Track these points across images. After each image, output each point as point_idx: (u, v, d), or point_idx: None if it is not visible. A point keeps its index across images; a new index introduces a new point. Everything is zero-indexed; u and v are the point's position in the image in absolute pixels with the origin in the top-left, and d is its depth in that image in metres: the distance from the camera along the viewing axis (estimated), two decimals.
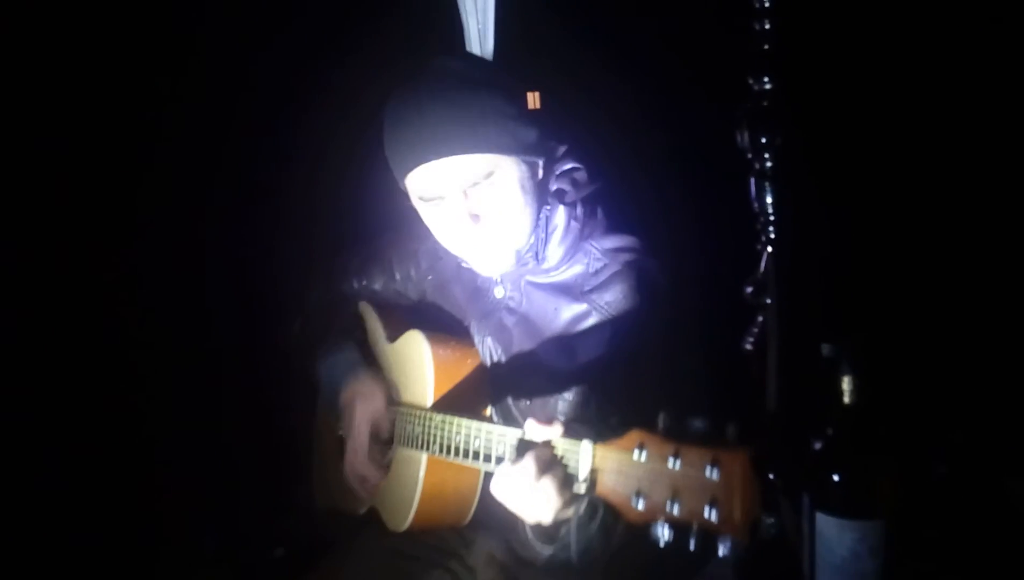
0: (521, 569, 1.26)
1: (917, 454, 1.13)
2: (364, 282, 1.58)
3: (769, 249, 1.04)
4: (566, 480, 0.99)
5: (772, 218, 1.07)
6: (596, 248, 1.30)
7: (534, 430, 1.04)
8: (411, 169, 1.20)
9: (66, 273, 1.75)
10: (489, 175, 1.19)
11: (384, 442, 1.40)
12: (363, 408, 1.39)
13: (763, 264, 1.08)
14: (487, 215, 1.21)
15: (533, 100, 1.55)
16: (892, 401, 1.06)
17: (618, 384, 1.20)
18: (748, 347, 1.13)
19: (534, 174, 1.25)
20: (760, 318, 1.12)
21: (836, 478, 0.96)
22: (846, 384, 0.94)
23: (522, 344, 1.32)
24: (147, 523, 1.79)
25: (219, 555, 1.79)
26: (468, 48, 1.79)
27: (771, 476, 1.06)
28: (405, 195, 1.29)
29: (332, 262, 1.63)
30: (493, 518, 1.33)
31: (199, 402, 1.87)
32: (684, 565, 1.15)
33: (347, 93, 1.78)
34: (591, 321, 1.27)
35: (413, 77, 1.21)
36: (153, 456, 1.83)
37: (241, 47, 1.84)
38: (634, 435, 0.92)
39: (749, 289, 1.11)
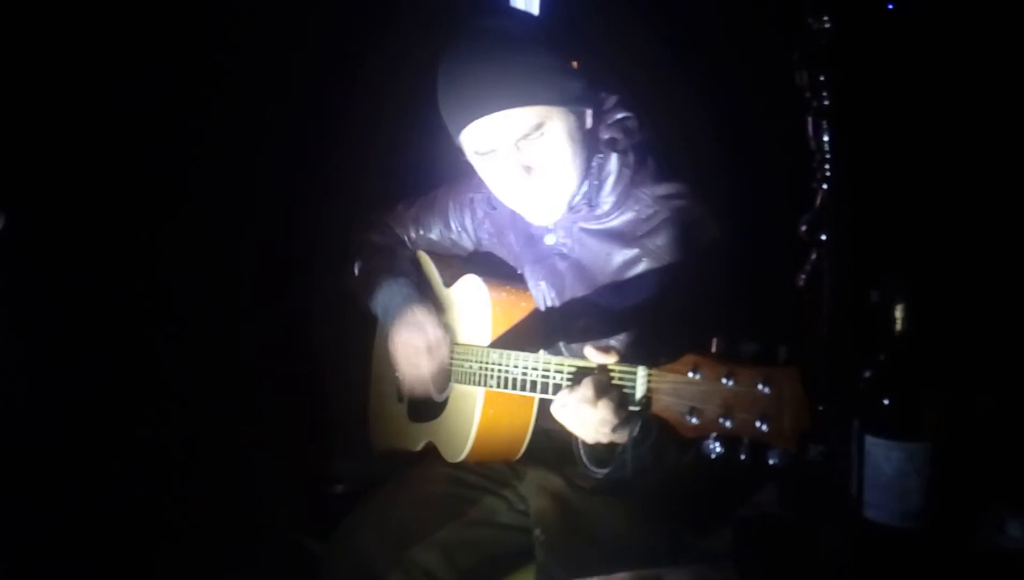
0: (572, 497, 1.33)
1: (965, 383, 1.17)
2: (421, 232, 1.65)
3: (825, 186, 1.08)
4: (622, 401, 1.05)
5: (828, 156, 1.11)
6: (647, 194, 1.34)
7: (592, 356, 1.10)
8: (464, 126, 1.26)
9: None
10: (539, 127, 1.24)
11: (441, 371, 1.46)
12: (414, 332, 1.45)
13: (819, 201, 1.12)
14: (539, 167, 1.27)
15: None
16: (943, 331, 1.10)
17: (669, 325, 1.25)
18: (801, 283, 1.17)
19: (583, 124, 1.30)
20: (814, 255, 1.16)
21: (885, 402, 1.01)
22: (898, 312, 0.99)
23: (575, 288, 1.38)
24: (213, 465, 1.88)
25: (282, 494, 1.88)
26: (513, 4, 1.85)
27: (820, 407, 1.12)
28: (460, 151, 1.35)
29: (390, 211, 1.70)
30: (545, 452, 1.41)
31: (260, 352, 1.95)
32: (733, 491, 1.21)
33: (401, 49, 1.83)
34: (643, 265, 1.32)
35: (461, 35, 1.26)
36: (218, 402, 1.91)
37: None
38: (688, 359, 0.98)
39: (804, 226, 1.15)
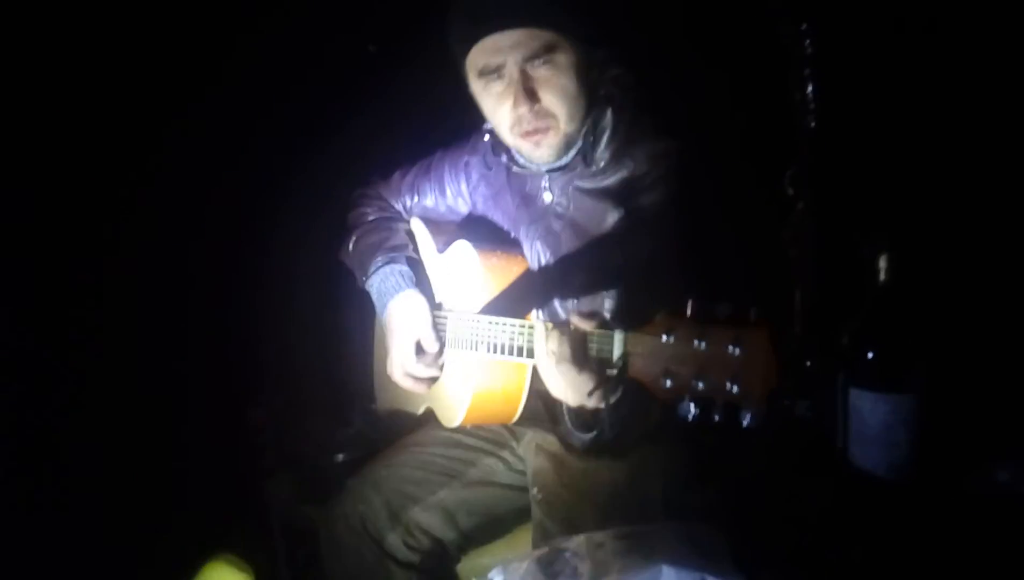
0: (567, 456, 1.35)
1: (949, 335, 1.16)
2: (416, 198, 1.65)
3: (809, 138, 1.07)
4: (600, 364, 1.06)
5: (812, 107, 1.09)
6: (642, 152, 1.34)
7: (573, 318, 1.11)
8: (475, 40, 1.28)
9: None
10: (548, 50, 1.25)
11: (431, 352, 1.48)
12: (405, 321, 1.47)
13: (803, 154, 1.11)
14: (543, 93, 1.28)
15: None
16: (926, 283, 1.08)
17: (662, 280, 1.25)
18: (788, 236, 1.16)
19: (588, 66, 1.30)
20: (800, 206, 1.15)
21: (870, 355, 1.01)
22: (882, 263, 0.98)
23: (570, 247, 1.39)
24: (219, 436, 1.91)
25: (285, 462, 1.92)
26: None
27: (808, 362, 1.11)
28: (463, 81, 1.35)
29: (385, 181, 1.70)
30: (541, 413, 1.43)
31: (262, 323, 1.96)
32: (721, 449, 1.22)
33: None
34: (637, 223, 1.32)
35: None
36: (222, 375, 1.93)
37: None
38: (663, 321, 0.99)
39: (789, 181, 1.14)
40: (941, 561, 1.12)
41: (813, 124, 1.23)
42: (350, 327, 1.82)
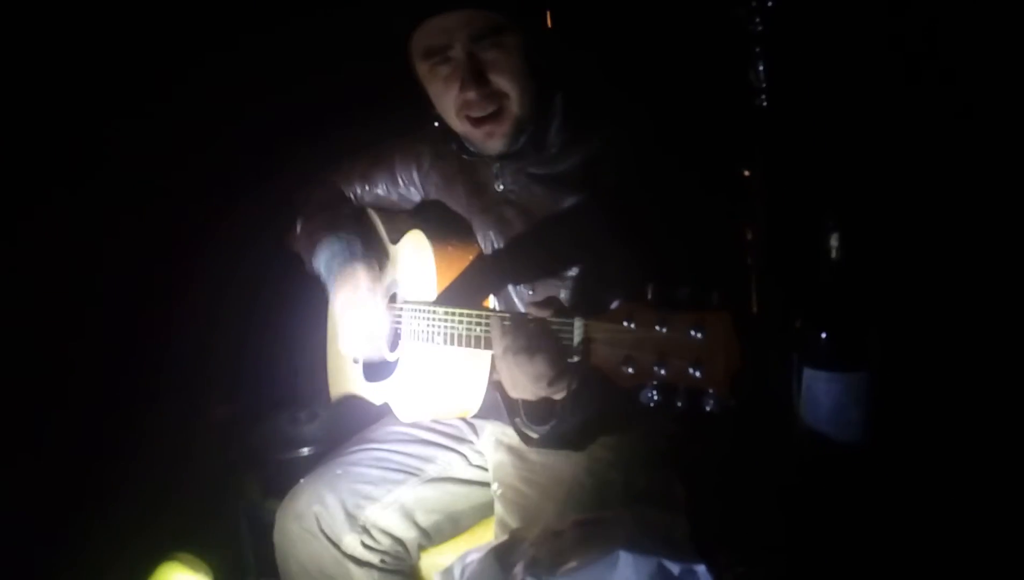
0: (526, 450, 1.32)
1: (900, 308, 1.17)
2: (367, 187, 1.60)
3: (761, 116, 1.06)
4: (560, 351, 1.03)
5: (764, 85, 1.08)
6: (595, 136, 1.31)
7: (530, 309, 1.08)
8: (421, 19, 1.23)
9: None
10: (495, 32, 1.22)
11: (377, 330, 1.43)
12: (350, 295, 1.41)
13: (755, 134, 1.10)
14: (492, 75, 1.24)
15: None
16: (877, 261, 1.08)
17: (618, 269, 1.23)
18: (741, 219, 1.15)
19: (537, 50, 1.27)
20: (754, 186, 1.14)
21: (823, 334, 1.00)
22: (833, 241, 0.97)
23: (523, 235, 1.36)
24: (184, 436, 1.90)
25: (250, 458, 1.89)
26: None
27: (760, 341, 1.10)
28: (408, 67, 1.31)
29: (335, 168, 1.65)
30: (500, 406, 1.39)
31: (222, 324, 1.93)
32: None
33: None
34: (591, 208, 1.29)
35: None
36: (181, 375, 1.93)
37: None
38: (623, 307, 0.96)
39: (743, 159, 1.13)
40: (898, 537, 1.13)
41: (765, 103, 1.22)
42: (307, 317, 1.77)
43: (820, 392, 1.02)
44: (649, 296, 0.95)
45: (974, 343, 1.30)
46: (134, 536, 1.68)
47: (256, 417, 1.95)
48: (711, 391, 0.88)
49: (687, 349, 0.89)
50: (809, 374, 1.02)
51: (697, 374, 0.88)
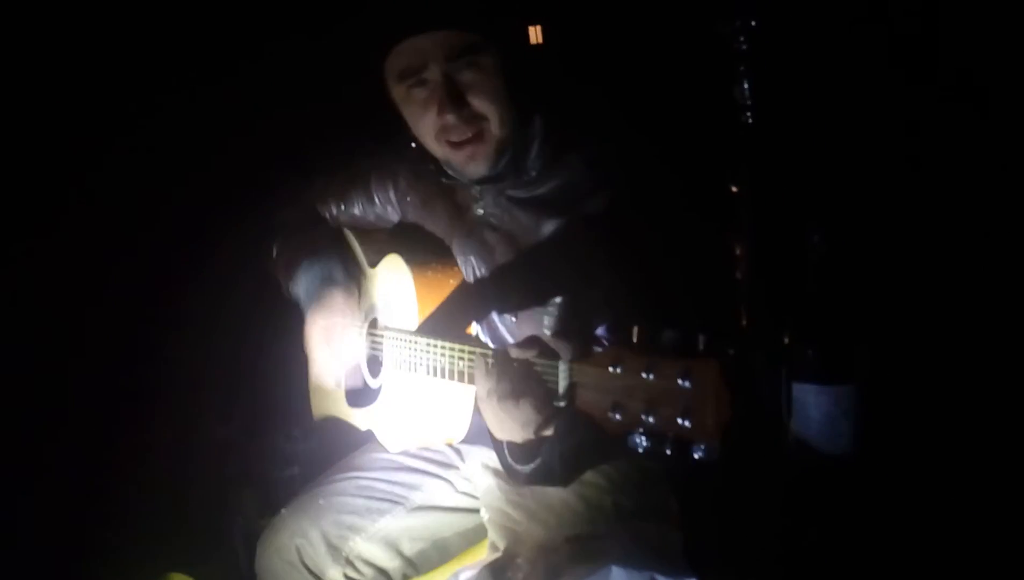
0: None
1: (887, 321, 1.17)
2: (343, 206, 1.57)
3: (747, 132, 1.04)
4: (546, 396, 1.01)
5: (749, 104, 1.07)
6: (577, 158, 1.28)
7: (513, 351, 1.06)
8: (395, 41, 1.20)
9: None
10: (471, 51, 1.19)
11: (348, 357, 1.42)
12: (326, 321, 1.40)
13: (741, 153, 1.09)
14: (471, 97, 1.21)
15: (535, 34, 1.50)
16: (863, 277, 1.08)
17: (604, 288, 1.21)
18: (728, 237, 1.14)
19: (515, 70, 1.24)
20: (742, 204, 1.13)
21: (810, 351, 1.00)
22: (819, 256, 0.97)
23: (505, 260, 1.33)
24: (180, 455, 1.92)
25: (246, 477, 1.90)
26: None
27: (749, 355, 1.10)
28: (384, 88, 1.28)
29: (308, 187, 1.61)
30: (485, 432, 1.38)
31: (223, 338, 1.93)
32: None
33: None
34: (573, 233, 1.27)
35: None
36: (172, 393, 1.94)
37: None
38: (610, 351, 0.94)
39: (730, 177, 1.12)
40: (888, 546, 1.14)
41: (751, 120, 1.21)
42: (301, 335, 1.75)
43: (809, 405, 1.03)
44: (635, 339, 0.93)
45: (960, 355, 1.31)
46: (130, 555, 1.69)
47: (251, 435, 1.96)
48: (700, 441, 0.86)
49: (675, 398, 0.87)
50: (798, 388, 1.03)
51: (686, 424, 0.86)
